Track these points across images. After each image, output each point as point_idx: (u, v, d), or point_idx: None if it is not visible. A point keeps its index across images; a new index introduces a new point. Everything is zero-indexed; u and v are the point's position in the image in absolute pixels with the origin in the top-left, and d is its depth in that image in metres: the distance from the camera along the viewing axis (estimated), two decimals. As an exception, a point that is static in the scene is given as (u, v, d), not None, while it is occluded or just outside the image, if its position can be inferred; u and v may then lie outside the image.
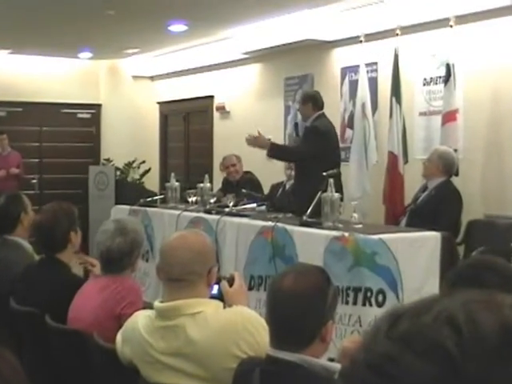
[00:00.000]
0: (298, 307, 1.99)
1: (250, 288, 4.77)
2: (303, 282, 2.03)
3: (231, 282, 2.66)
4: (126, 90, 11.11)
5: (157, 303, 2.43)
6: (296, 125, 6.50)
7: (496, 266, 1.87)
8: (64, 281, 3.32)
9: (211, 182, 6.89)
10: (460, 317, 0.60)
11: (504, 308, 0.62)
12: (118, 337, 2.58)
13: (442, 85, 6.24)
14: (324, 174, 4.90)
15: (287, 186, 6.65)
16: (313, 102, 5.86)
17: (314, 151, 5.56)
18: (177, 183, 6.51)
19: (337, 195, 4.57)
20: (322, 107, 5.88)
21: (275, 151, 5.74)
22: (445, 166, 5.52)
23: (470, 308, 0.61)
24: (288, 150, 5.95)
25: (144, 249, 6.14)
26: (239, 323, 2.33)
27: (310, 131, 5.77)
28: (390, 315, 0.64)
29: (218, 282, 2.61)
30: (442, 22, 6.22)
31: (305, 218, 4.65)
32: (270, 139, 5.84)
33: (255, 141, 5.70)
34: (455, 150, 5.80)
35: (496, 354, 0.58)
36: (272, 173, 7.30)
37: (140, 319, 2.48)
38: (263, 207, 5.73)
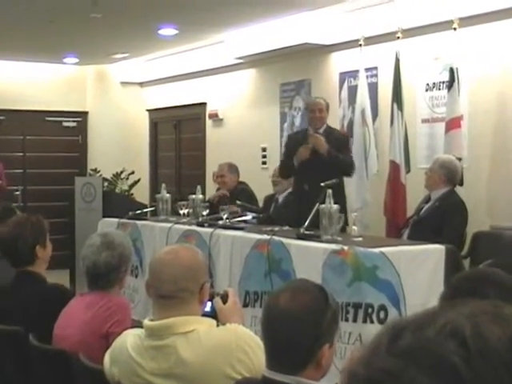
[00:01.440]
0: (291, 327, 1.94)
1: (245, 304, 4.74)
2: (299, 300, 1.98)
3: (225, 298, 2.62)
4: (114, 96, 11.06)
5: (147, 321, 2.39)
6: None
7: (494, 278, 1.85)
8: (41, 295, 3.28)
9: (204, 193, 6.86)
10: (466, 330, 0.60)
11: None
12: (106, 357, 2.52)
13: (446, 90, 6.20)
14: (322, 184, 4.89)
15: (280, 199, 6.59)
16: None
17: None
18: (168, 195, 6.47)
19: (336, 207, 4.53)
20: None
21: (333, 154, 5.81)
22: (447, 175, 5.46)
23: (476, 321, 0.61)
24: (344, 158, 5.94)
25: (133, 264, 6.10)
26: (233, 342, 2.30)
27: (348, 140, 6.08)
28: (390, 329, 0.64)
29: (211, 299, 2.57)
30: (445, 25, 6.16)
31: (302, 230, 4.62)
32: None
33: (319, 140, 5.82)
34: (460, 159, 5.76)
35: (506, 369, 0.58)
36: (267, 183, 7.13)
37: (129, 338, 2.43)
38: (257, 220, 5.76)
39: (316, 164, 5.69)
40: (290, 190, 6.40)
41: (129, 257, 3.16)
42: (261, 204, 6.93)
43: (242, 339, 2.32)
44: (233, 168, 7.17)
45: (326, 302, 2.02)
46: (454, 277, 1.88)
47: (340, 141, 5.95)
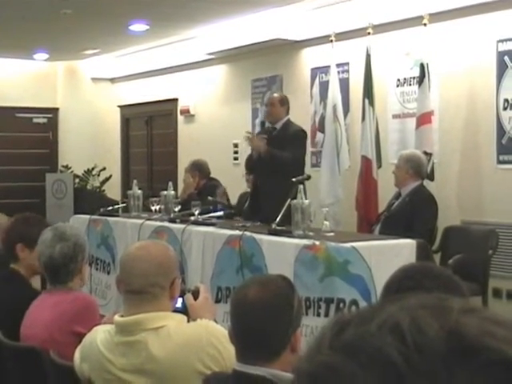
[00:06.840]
0: (264, 317, 1.97)
1: (217, 300, 4.75)
2: (267, 290, 2.01)
3: (196, 294, 2.60)
4: (84, 92, 10.98)
5: (117, 318, 2.38)
6: (263, 123, 6.26)
7: (433, 272, 1.86)
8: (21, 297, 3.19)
9: (176, 189, 6.80)
10: (404, 324, 0.60)
11: (452, 313, 0.60)
12: (77, 353, 2.51)
13: (416, 86, 6.20)
14: (293, 179, 4.89)
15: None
16: (288, 105, 5.92)
17: (303, 157, 5.68)
18: (139, 191, 6.43)
19: (307, 202, 4.54)
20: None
21: (272, 153, 5.70)
22: (414, 168, 5.47)
23: (415, 314, 0.61)
24: (284, 154, 5.75)
25: (105, 261, 6.05)
26: (203, 337, 2.29)
27: (300, 136, 5.82)
28: (334, 323, 0.63)
29: (182, 295, 2.55)
30: (416, 20, 6.16)
31: (274, 226, 4.61)
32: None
33: (253, 141, 5.77)
34: (430, 154, 5.77)
35: (442, 363, 0.57)
36: (239, 179, 7.10)
37: (99, 334, 2.42)
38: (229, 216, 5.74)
39: (263, 162, 5.69)
40: None
41: (83, 246, 3.10)
42: (234, 201, 6.89)
43: (213, 334, 2.31)
44: (194, 166, 7.00)
45: (292, 287, 2.08)
46: (395, 273, 1.85)
47: (289, 137, 5.81)
